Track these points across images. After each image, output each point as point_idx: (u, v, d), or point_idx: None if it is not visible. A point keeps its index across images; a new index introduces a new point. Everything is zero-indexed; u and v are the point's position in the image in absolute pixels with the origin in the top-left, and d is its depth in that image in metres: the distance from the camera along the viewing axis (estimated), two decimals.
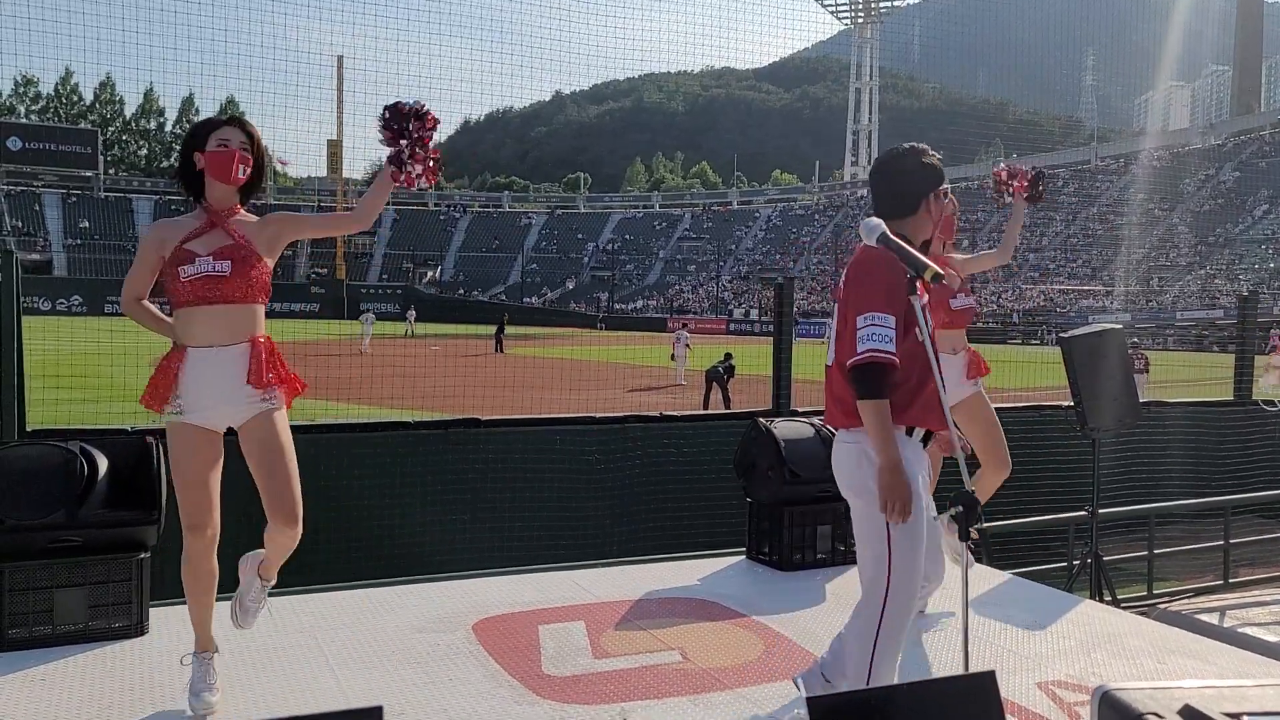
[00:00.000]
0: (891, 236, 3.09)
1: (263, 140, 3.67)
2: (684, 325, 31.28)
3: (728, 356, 20.62)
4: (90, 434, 4.94)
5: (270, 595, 4.58)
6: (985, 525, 6.27)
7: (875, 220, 3.14)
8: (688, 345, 26.56)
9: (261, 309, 3.53)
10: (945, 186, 3.44)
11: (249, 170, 3.53)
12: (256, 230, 3.55)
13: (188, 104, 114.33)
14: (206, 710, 3.49)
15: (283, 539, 3.53)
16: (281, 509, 3.44)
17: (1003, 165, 5.39)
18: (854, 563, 5.63)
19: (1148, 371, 21.02)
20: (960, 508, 2.73)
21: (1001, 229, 5.41)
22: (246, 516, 3.95)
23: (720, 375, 20.16)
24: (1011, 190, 5.21)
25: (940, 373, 3.08)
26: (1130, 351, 22.83)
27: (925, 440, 3.31)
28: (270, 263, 3.56)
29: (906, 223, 3.32)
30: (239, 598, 3.77)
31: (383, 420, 7.24)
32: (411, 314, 41.34)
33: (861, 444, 3.20)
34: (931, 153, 3.43)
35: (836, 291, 3.37)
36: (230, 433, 3.52)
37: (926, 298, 3.22)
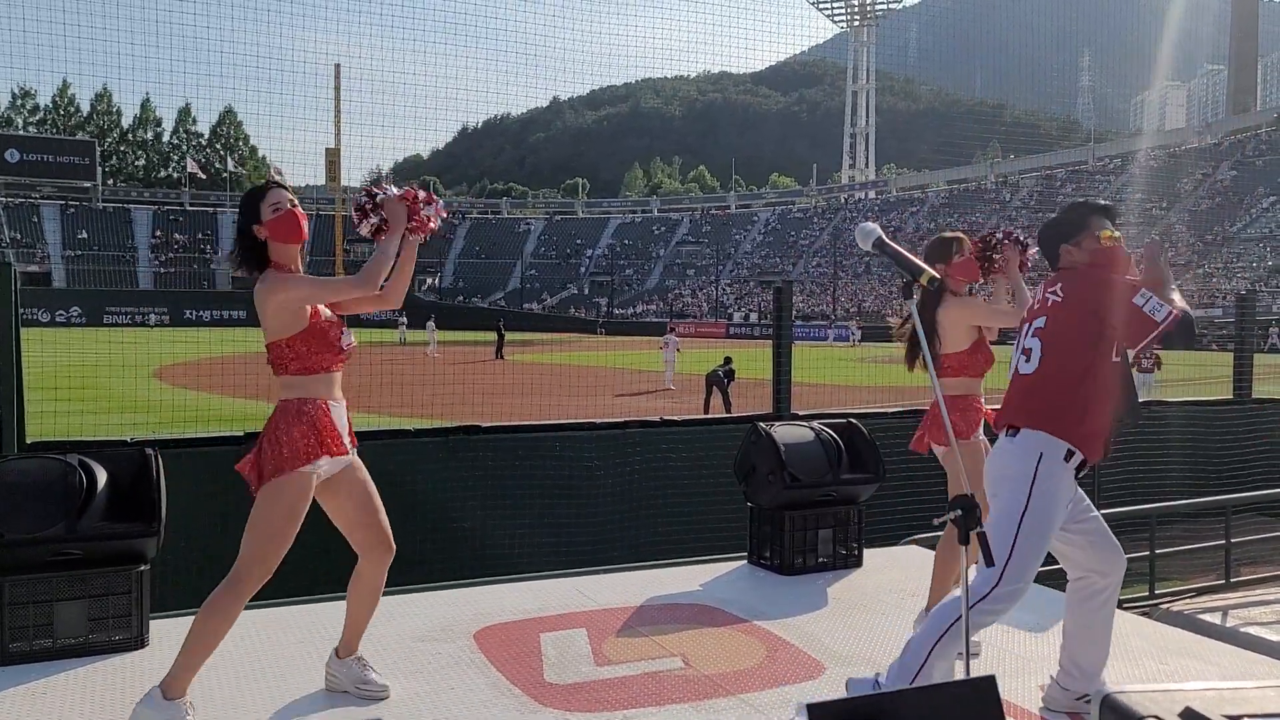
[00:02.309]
0: (887, 241, 3.10)
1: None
2: (672, 330, 31.27)
3: (727, 360, 20.59)
4: (90, 446, 4.94)
5: (270, 605, 4.59)
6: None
7: (871, 225, 3.14)
8: (677, 349, 26.50)
9: None
10: (1097, 233, 3.68)
11: (309, 225, 3.66)
12: None
13: (184, 114, 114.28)
14: (379, 693, 3.75)
15: (381, 570, 3.74)
16: (386, 539, 3.71)
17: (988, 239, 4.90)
18: (855, 566, 5.67)
19: (1159, 369, 20.88)
20: (959, 511, 2.73)
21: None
22: None
23: (720, 379, 20.14)
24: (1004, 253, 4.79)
25: (935, 376, 3.20)
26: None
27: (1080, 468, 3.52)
28: None
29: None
30: (353, 685, 3.80)
31: (383, 428, 7.24)
32: (431, 323, 41.50)
33: (1038, 444, 3.43)
34: (1086, 204, 3.85)
35: (1043, 305, 3.60)
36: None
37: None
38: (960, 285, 4.70)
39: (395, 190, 3.63)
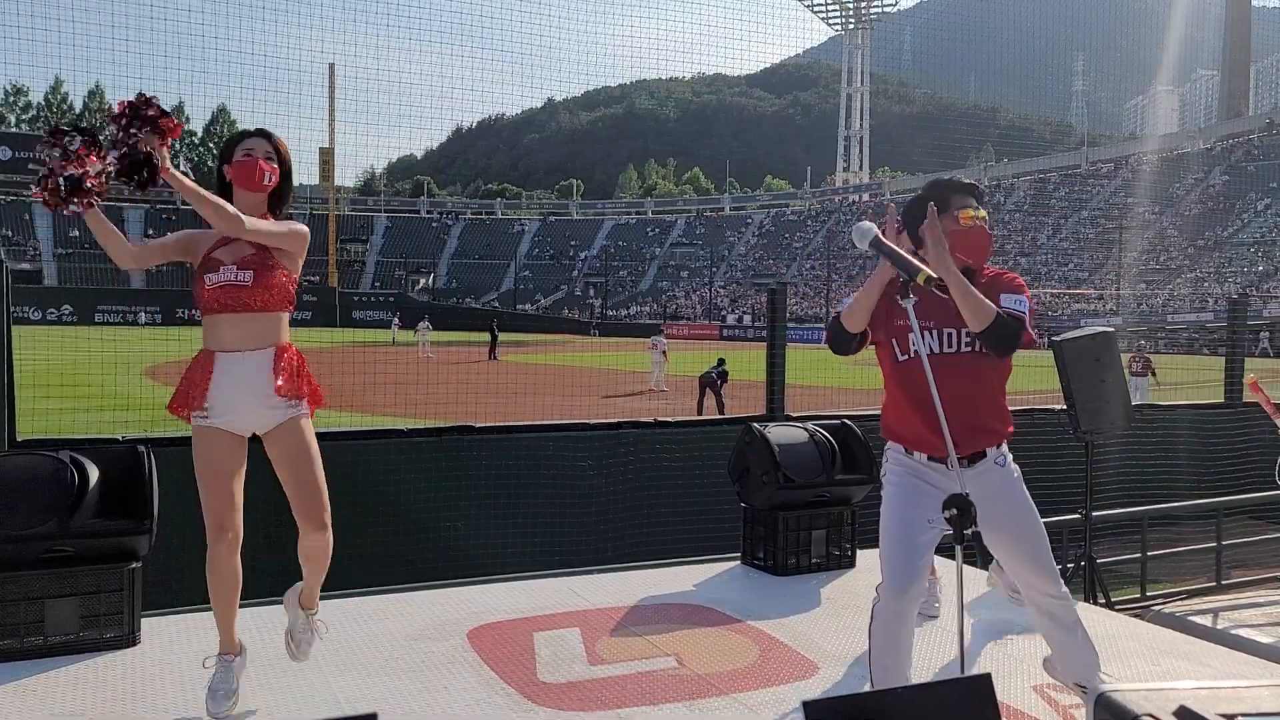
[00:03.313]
0: (884, 240, 3.10)
1: (289, 154, 3.72)
2: (661, 331, 31.31)
3: (721, 362, 20.60)
4: (81, 443, 4.92)
5: (263, 604, 4.58)
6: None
7: (867, 224, 3.14)
8: (664, 351, 26.46)
9: (284, 316, 3.58)
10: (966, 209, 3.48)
11: (274, 177, 3.59)
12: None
13: (178, 112, 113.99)
14: (222, 713, 3.52)
15: (314, 547, 3.62)
16: (311, 515, 3.56)
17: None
18: (848, 567, 5.67)
19: (1153, 374, 20.86)
20: (954, 510, 2.73)
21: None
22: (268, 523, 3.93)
23: (713, 380, 20.15)
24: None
25: (935, 384, 3.10)
26: (1135, 354, 22.52)
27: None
28: (293, 271, 3.62)
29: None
30: (289, 633, 3.84)
31: (376, 428, 7.23)
32: (426, 323, 41.45)
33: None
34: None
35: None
36: (254, 440, 3.57)
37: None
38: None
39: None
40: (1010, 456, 3.52)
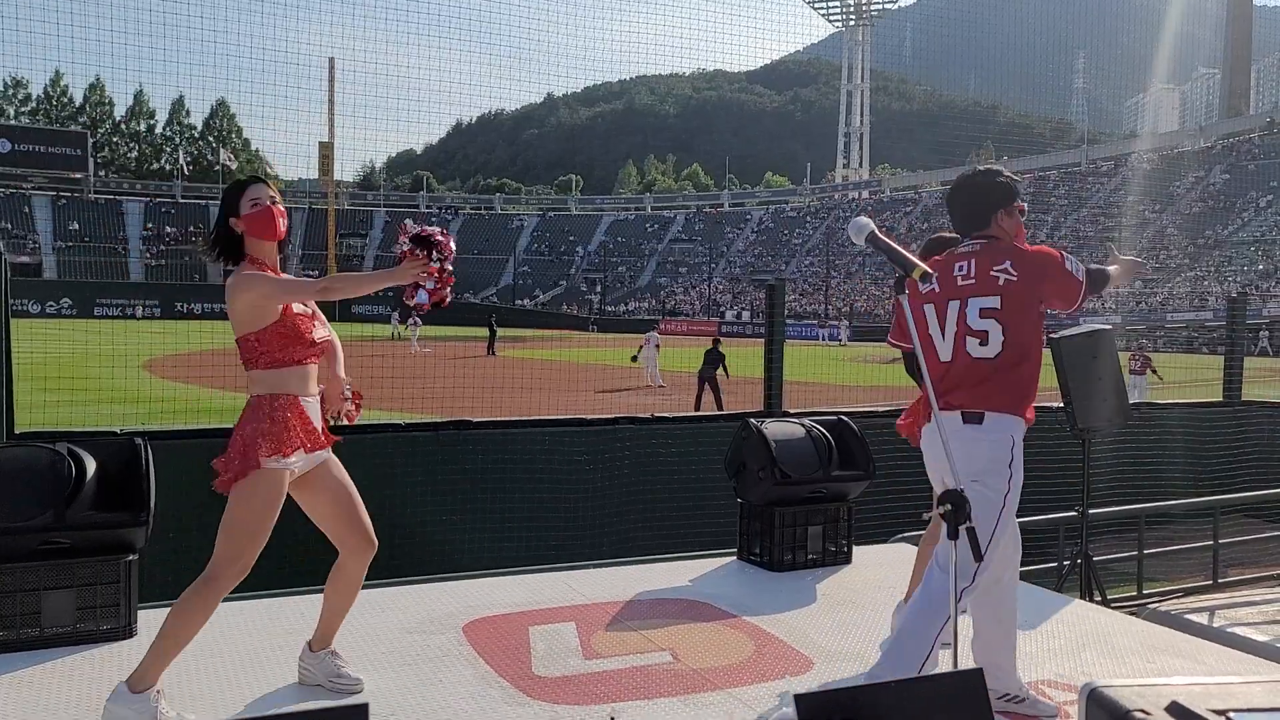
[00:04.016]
0: (880, 235, 3.10)
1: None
2: (656, 328, 31.38)
3: (716, 343, 20.79)
4: (79, 436, 4.92)
5: (258, 597, 4.59)
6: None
7: (864, 220, 3.14)
8: (657, 346, 26.45)
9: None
10: (1021, 204, 3.67)
11: (286, 223, 3.59)
12: None
13: (178, 105, 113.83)
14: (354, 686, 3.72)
15: (362, 566, 3.67)
16: (366, 534, 3.64)
17: None
18: (844, 563, 5.68)
19: (1154, 372, 20.84)
20: (948, 506, 2.74)
21: None
22: None
23: (712, 377, 20.17)
24: None
25: (927, 376, 3.17)
26: (1134, 352, 22.44)
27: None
28: None
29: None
30: (325, 683, 3.75)
31: (373, 423, 7.23)
32: (416, 318, 41.39)
33: (1010, 427, 3.49)
34: (1006, 173, 3.74)
35: (987, 283, 3.52)
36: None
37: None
38: None
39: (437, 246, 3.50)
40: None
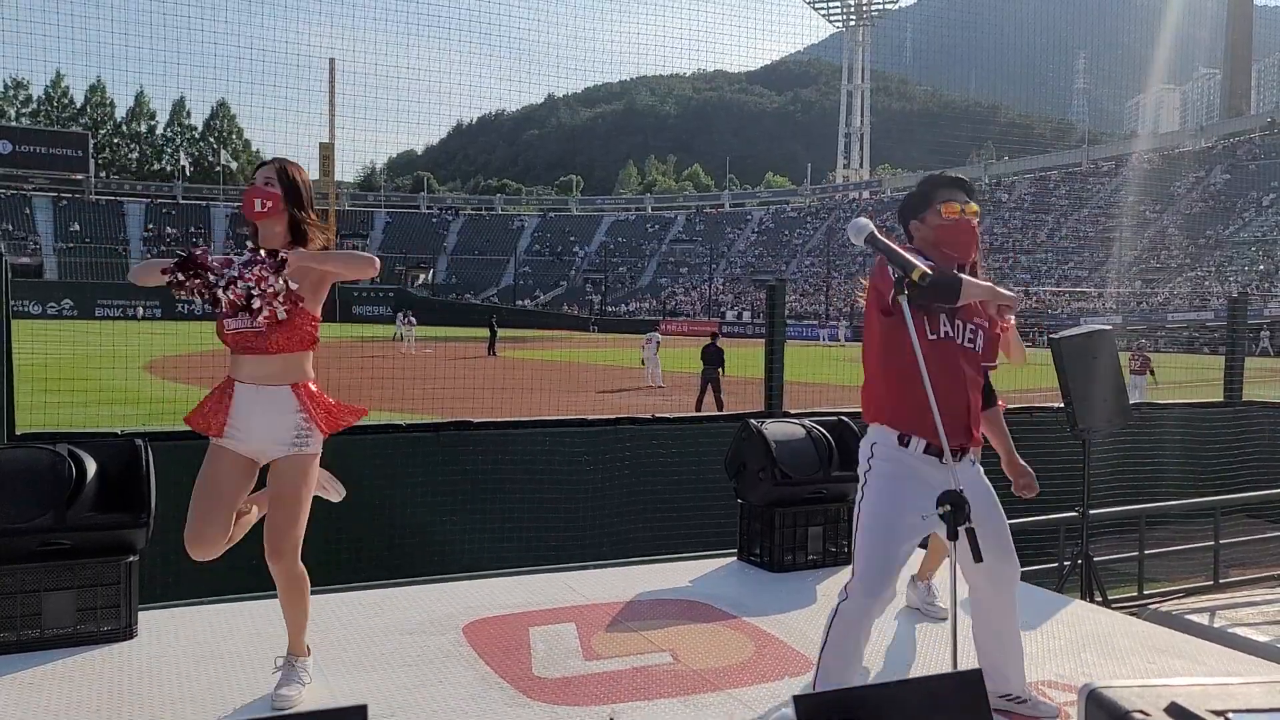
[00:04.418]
0: (879, 236, 3.10)
1: (300, 177, 3.64)
2: (657, 328, 31.39)
3: (714, 338, 20.82)
4: (79, 437, 4.92)
5: (259, 599, 4.59)
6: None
7: (863, 221, 3.14)
8: (657, 346, 26.44)
9: (309, 354, 3.62)
10: (940, 204, 3.45)
11: (268, 204, 3.51)
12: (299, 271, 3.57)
13: (179, 106, 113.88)
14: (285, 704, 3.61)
15: (275, 573, 3.58)
16: (270, 541, 3.52)
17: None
18: (845, 564, 5.67)
19: (1151, 374, 20.82)
20: (948, 506, 2.73)
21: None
22: None
23: (715, 377, 20.18)
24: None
25: (930, 383, 3.08)
26: (1134, 352, 22.45)
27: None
28: (312, 306, 3.57)
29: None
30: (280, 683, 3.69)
31: (374, 423, 7.23)
32: (410, 318, 41.40)
33: (870, 439, 3.50)
34: (934, 178, 3.59)
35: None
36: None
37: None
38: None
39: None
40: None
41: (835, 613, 3.37)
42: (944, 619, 4.75)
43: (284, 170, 3.61)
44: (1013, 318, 4.37)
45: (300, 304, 3.48)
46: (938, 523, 3.05)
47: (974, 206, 3.47)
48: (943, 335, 3.37)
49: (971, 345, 3.45)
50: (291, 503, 3.53)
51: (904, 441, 3.39)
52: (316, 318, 3.61)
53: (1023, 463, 3.62)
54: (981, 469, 3.60)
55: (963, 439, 3.40)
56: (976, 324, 3.47)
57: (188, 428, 3.63)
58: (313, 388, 3.60)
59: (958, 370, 3.39)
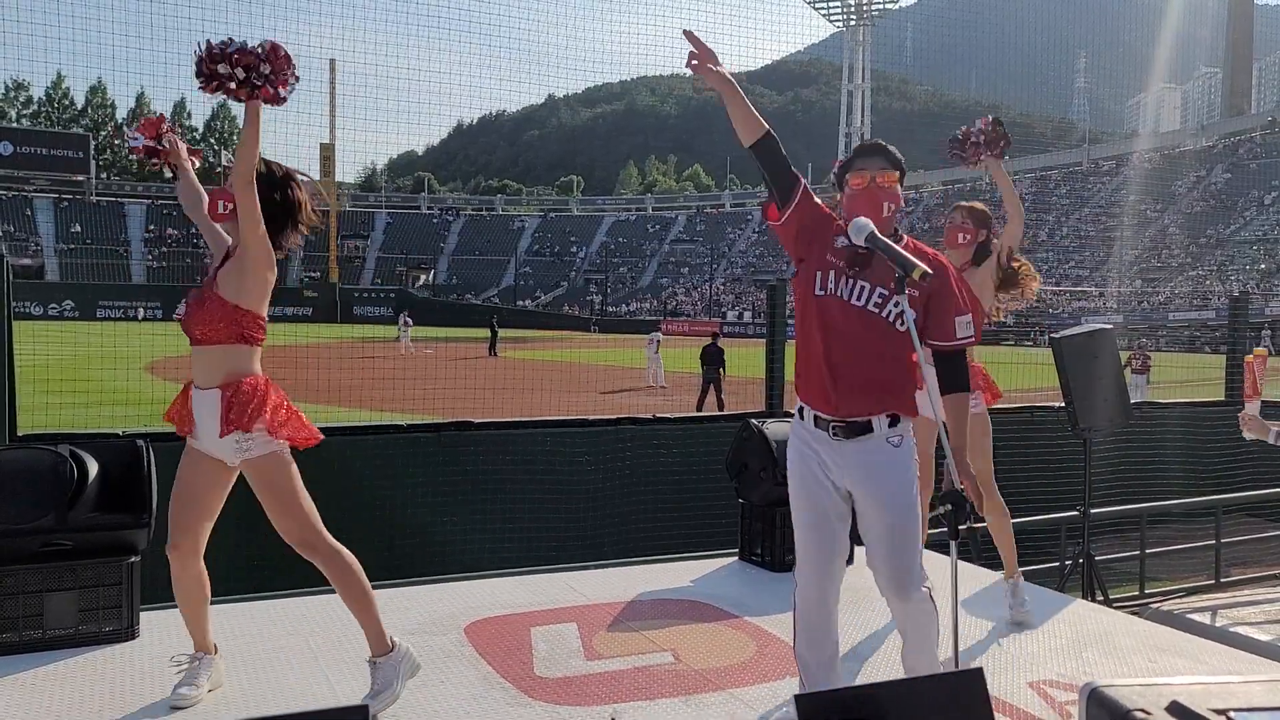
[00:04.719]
0: (879, 236, 3.10)
1: (278, 167, 3.62)
2: (659, 328, 31.40)
3: (715, 338, 20.81)
4: (81, 438, 4.92)
5: (261, 598, 4.59)
6: (977, 525, 6.28)
7: (863, 220, 3.14)
8: (658, 346, 26.39)
9: (240, 349, 3.46)
10: (853, 176, 3.33)
11: (229, 206, 3.44)
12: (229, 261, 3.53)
13: (180, 108, 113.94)
14: (180, 702, 3.52)
15: (319, 564, 3.56)
16: (285, 538, 3.51)
17: (962, 129, 5.09)
18: (847, 563, 5.65)
19: (1148, 371, 20.85)
20: (949, 505, 2.73)
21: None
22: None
23: (716, 378, 20.18)
24: (975, 145, 4.94)
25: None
26: (1135, 351, 22.46)
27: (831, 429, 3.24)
28: (243, 297, 3.45)
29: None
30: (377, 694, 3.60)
31: (375, 424, 7.23)
32: (408, 318, 41.42)
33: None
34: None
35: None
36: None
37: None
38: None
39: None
40: (913, 443, 3.32)
41: (793, 602, 3.42)
42: (1029, 623, 4.72)
43: (270, 170, 3.60)
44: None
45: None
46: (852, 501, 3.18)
47: (891, 174, 3.29)
48: (828, 292, 3.22)
49: (877, 311, 3.18)
50: (274, 498, 3.46)
51: (801, 413, 3.35)
52: (253, 311, 3.47)
53: (969, 468, 3.17)
54: (912, 462, 3.29)
55: (855, 410, 3.19)
56: (885, 291, 3.18)
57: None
58: (245, 387, 3.41)
59: (852, 334, 3.18)
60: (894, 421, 3.21)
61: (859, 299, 3.19)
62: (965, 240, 4.83)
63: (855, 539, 5.73)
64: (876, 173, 3.28)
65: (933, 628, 3.25)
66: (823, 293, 3.21)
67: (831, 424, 3.20)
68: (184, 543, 3.49)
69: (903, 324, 3.11)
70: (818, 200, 3.29)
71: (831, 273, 3.21)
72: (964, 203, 5.08)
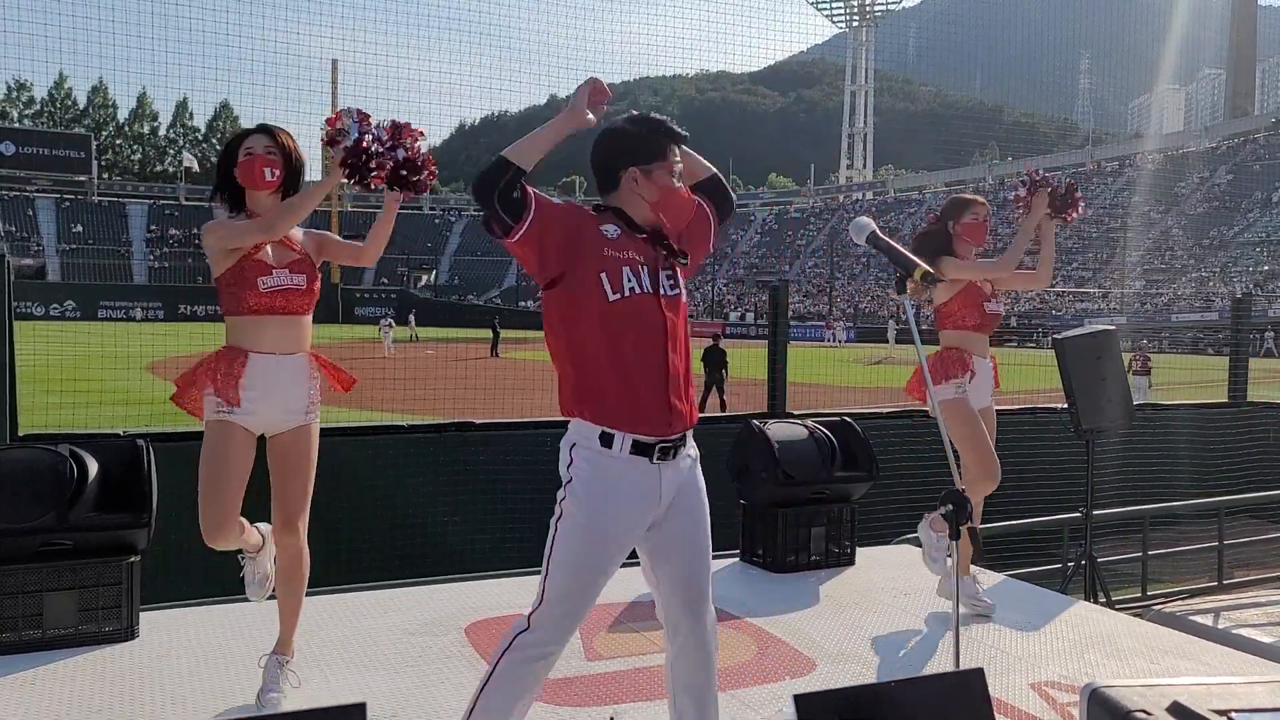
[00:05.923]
0: (881, 236, 3.09)
1: (297, 147, 3.66)
2: None
3: (716, 340, 20.83)
4: (81, 438, 4.92)
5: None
6: (979, 526, 6.28)
7: (865, 220, 3.13)
8: None
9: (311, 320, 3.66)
10: (667, 161, 2.84)
11: (277, 172, 3.55)
12: (307, 242, 3.69)
13: (181, 108, 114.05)
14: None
15: (288, 551, 3.56)
16: (284, 511, 3.52)
17: (1032, 171, 5.04)
18: (849, 564, 5.67)
19: (1149, 373, 20.83)
20: (950, 506, 2.72)
21: (1025, 245, 5.14)
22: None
23: (719, 380, 20.18)
24: (1029, 195, 4.89)
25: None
26: (1137, 353, 22.54)
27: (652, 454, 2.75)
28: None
29: (611, 198, 2.88)
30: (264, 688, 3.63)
31: (377, 424, 7.23)
32: (390, 319, 41.42)
33: (569, 437, 2.85)
34: (641, 121, 2.93)
35: None
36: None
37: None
38: (965, 247, 4.82)
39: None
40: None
41: (510, 644, 2.75)
42: (989, 615, 4.73)
43: (281, 142, 3.60)
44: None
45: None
46: (647, 537, 2.82)
47: (678, 164, 2.92)
48: (628, 292, 2.68)
49: (675, 291, 2.79)
50: (307, 469, 3.55)
51: (607, 441, 2.72)
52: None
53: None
54: (700, 473, 3.01)
55: (671, 425, 2.78)
56: (670, 270, 2.80)
57: (189, 428, 3.63)
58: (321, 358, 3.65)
59: (675, 331, 2.77)
60: None
61: (672, 288, 2.77)
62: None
63: (845, 546, 5.75)
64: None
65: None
66: (620, 295, 2.67)
67: (659, 446, 2.75)
68: (236, 522, 3.50)
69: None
70: (553, 199, 2.82)
71: (626, 269, 2.68)
72: (967, 195, 5.08)
